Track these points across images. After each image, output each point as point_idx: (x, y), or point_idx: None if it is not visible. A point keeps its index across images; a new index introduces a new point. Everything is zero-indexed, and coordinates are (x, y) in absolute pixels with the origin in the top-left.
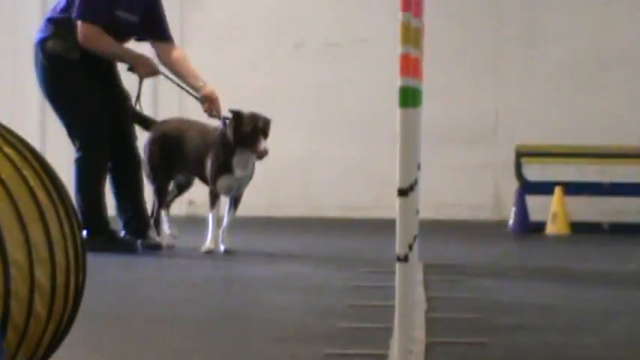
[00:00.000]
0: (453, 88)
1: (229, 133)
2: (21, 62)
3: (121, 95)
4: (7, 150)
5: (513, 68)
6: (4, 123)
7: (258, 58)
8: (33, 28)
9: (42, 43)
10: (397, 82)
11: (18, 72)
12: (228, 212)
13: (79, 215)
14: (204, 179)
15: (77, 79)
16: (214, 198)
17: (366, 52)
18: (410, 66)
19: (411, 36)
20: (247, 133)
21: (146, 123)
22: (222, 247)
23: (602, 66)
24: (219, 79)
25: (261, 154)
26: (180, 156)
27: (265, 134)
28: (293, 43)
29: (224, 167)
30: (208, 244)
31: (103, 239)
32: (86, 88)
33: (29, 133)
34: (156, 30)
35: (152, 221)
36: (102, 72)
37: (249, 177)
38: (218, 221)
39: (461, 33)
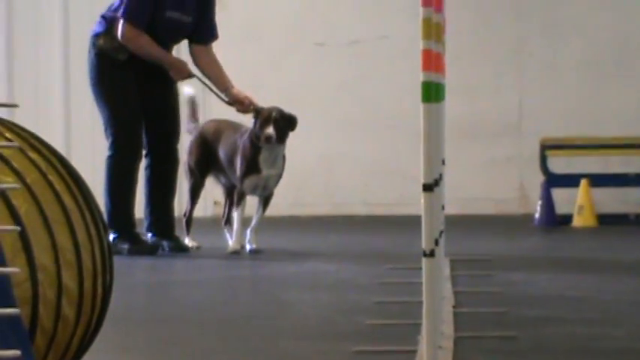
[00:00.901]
0: (476, 83)
1: (254, 131)
2: (44, 67)
3: (170, 98)
4: (33, 155)
5: (536, 61)
6: (29, 128)
7: (280, 57)
8: (55, 30)
9: (93, 39)
10: (419, 77)
11: (41, 77)
12: (257, 212)
13: (106, 215)
14: (234, 179)
15: (120, 79)
16: (240, 197)
17: (388, 48)
18: (432, 61)
19: (433, 31)
20: (261, 123)
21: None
22: (247, 247)
23: (625, 57)
24: (242, 78)
25: (266, 139)
26: (214, 156)
27: (278, 124)
28: (314, 41)
29: (251, 166)
30: (233, 244)
31: (127, 242)
32: (127, 88)
33: (54, 138)
34: (206, 31)
35: (184, 222)
36: (152, 74)
37: (279, 175)
38: (245, 221)
39: (483, 27)
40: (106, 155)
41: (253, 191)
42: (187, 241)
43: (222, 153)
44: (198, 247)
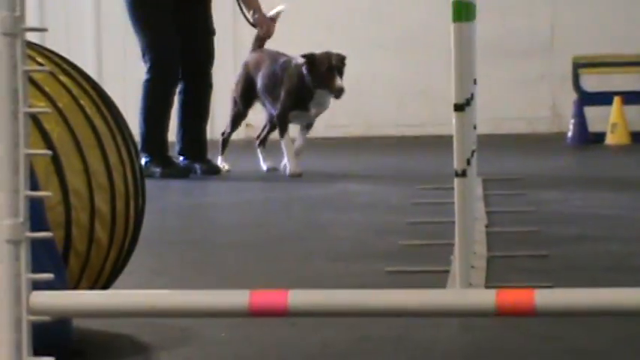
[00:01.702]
0: (507, 1)
1: (306, 77)
2: None
3: (205, 27)
4: (64, 79)
5: None
6: (61, 53)
7: None
8: None
9: None
10: None
11: (71, 3)
12: (300, 138)
13: (139, 138)
14: (276, 109)
15: (155, 7)
16: (284, 125)
17: None
18: None
19: None
20: (322, 73)
21: None
22: (288, 171)
23: None
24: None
25: (338, 92)
26: (256, 87)
27: (340, 71)
28: None
29: (299, 105)
30: (294, 168)
31: (160, 165)
32: (164, 13)
33: (85, 62)
34: None
35: (221, 142)
36: (186, 3)
37: (325, 109)
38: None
39: None
40: (143, 79)
41: (297, 122)
42: (219, 162)
43: (260, 83)
44: (228, 170)
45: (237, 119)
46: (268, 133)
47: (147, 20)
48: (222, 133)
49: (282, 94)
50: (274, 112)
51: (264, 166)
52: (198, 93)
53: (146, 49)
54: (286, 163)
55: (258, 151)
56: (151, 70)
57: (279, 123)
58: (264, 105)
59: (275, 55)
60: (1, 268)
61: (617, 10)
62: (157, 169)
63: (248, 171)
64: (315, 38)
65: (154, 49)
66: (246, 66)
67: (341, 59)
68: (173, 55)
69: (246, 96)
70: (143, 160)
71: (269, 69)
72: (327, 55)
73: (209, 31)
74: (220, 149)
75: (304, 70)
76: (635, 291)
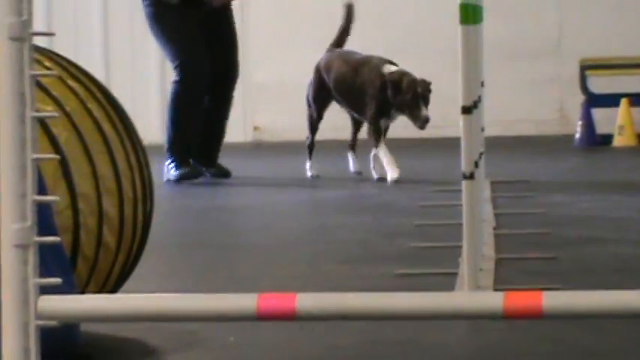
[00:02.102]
0: (515, 3)
1: (390, 98)
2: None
3: (227, 40)
4: (72, 83)
5: None
6: (69, 58)
7: None
8: None
9: None
10: None
11: (80, 6)
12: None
13: (166, 141)
14: (358, 114)
15: (173, 22)
16: (378, 135)
17: None
18: None
19: None
20: (407, 100)
21: None
22: (375, 175)
23: None
24: (281, 1)
25: (423, 123)
26: (335, 88)
27: (426, 100)
28: None
29: (384, 113)
30: (395, 174)
31: (179, 167)
32: (186, 25)
33: (93, 67)
34: None
35: (307, 148)
36: (205, 16)
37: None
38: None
39: None
40: (172, 85)
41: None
42: (307, 167)
43: (333, 84)
44: (317, 176)
45: (313, 123)
46: (355, 135)
47: (170, 32)
48: (306, 139)
49: (368, 102)
50: (356, 116)
51: (352, 170)
52: (216, 111)
53: (175, 58)
54: (385, 170)
55: (349, 155)
56: (179, 77)
57: (373, 132)
58: (341, 106)
59: (349, 55)
60: (8, 273)
61: (624, 12)
62: (177, 172)
63: (254, 175)
64: (320, 40)
65: (184, 57)
66: (318, 66)
67: (427, 86)
68: (202, 64)
69: (319, 98)
70: (168, 162)
71: (343, 70)
72: (413, 83)
73: (234, 45)
74: (308, 155)
75: (389, 92)
76: None
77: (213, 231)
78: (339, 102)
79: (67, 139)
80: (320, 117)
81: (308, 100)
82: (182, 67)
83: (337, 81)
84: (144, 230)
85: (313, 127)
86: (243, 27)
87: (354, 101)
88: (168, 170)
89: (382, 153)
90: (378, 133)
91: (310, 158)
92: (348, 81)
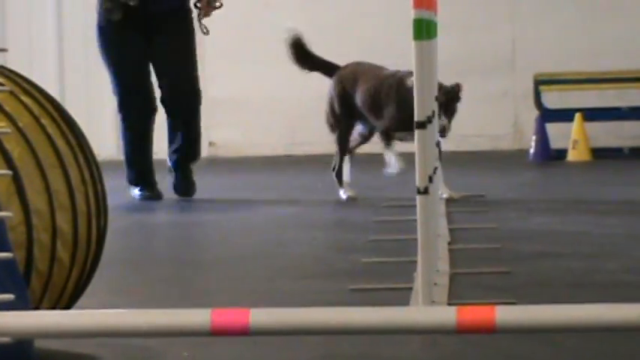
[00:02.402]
0: (469, 19)
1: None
2: (38, 12)
3: (179, 54)
4: (25, 99)
5: None
6: (23, 74)
7: None
8: None
9: (98, 1)
10: (411, 14)
11: (34, 22)
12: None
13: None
14: (380, 124)
15: (117, 40)
16: (390, 138)
17: None
18: None
19: None
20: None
21: (328, 69)
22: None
23: None
24: (236, 17)
25: (440, 132)
26: (357, 102)
27: (449, 108)
28: None
29: (408, 126)
30: (395, 168)
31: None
32: (126, 48)
33: (47, 83)
34: None
35: (334, 174)
36: (156, 29)
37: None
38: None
39: None
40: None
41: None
42: (342, 194)
43: (361, 100)
44: (354, 198)
45: (343, 142)
46: (357, 145)
47: (109, 57)
48: (333, 169)
49: (387, 113)
50: (377, 129)
51: (342, 190)
52: (176, 131)
53: (115, 93)
54: (391, 161)
55: (344, 161)
56: (119, 107)
57: (384, 134)
58: (362, 123)
59: (374, 69)
60: None
61: (577, 27)
62: (138, 193)
63: (212, 190)
64: (275, 55)
65: (118, 85)
66: (340, 83)
67: (451, 94)
68: (138, 92)
69: (346, 116)
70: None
71: (371, 84)
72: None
73: (184, 62)
74: (338, 183)
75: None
76: (595, 307)
77: (168, 246)
78: (366, 116)
79: (20, 155)
80: (349, 134)
81: (330, 123)
82: (118, 98)
83: (367, 93)
84: (98, 245)
85: (343, 147)
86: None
87: (381, 115)
88: (132, 190)
89: (388, 149)
90: (389, 137)
91: (341, 185)
92: (378, 94)
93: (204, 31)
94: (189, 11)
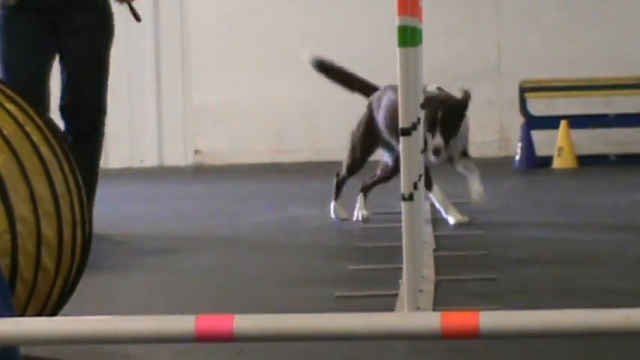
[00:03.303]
0: (454, 26)
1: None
2: None
3: (77, 63)
4: (10, 106)
5: (514, 3)
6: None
7: (259, 3)
8: None
9: None
10: (396, 21)
11: None
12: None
13: None
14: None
15: (11, 29)
16: (428, 176)
17: None
18: (408, 5)
19: None
20: (425, 122)
21: (366, 90)
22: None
23: None
24: (221, 24)
25: (433, 152)
26: (380, 123)
27: (445, 121)
28: None
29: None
30: (457, 217)
31: None
32: (13, 40)
33: None
34: None
35: (334, 181)
36: (49, 20)
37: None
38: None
39: None
40: None
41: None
42: (332, 209)
43: (383, 122)
44: (368, 219)
45: (353, 166)
46: (377, 182)
47: (9, 51)
48: (337, 175)
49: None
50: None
51: (358, 216)
52: (80, 149)
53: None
54: (445, 214)
55: (359, 198)
56: None
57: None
58: (385, 150)
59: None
60: None
61: (563, 34)
62: None
63: (197, 198)
64: (260, 63)
65: (6, 80)
66: (369, 104)
67: (454, 109)
68: (27, 90)
69: (365, 138)
70: None
71: (392, 103)
72: (431, 101)
73: (89, 66)
74: (334, 195)
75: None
76: (579, 312)
77: (152, 254)
78: (389, 141)
79: (5, 162)
80: (364, 160)
81: (353, 142)
82: None
83: (388, 115)
84: (83, 253)
85: (351, 169)
86: (184, 50)
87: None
88: None
89: (436, 196)
90: (427, 175)
91: (336, 198)
92: (393, 116)
93: (137, 17)
94: (108, 3)
